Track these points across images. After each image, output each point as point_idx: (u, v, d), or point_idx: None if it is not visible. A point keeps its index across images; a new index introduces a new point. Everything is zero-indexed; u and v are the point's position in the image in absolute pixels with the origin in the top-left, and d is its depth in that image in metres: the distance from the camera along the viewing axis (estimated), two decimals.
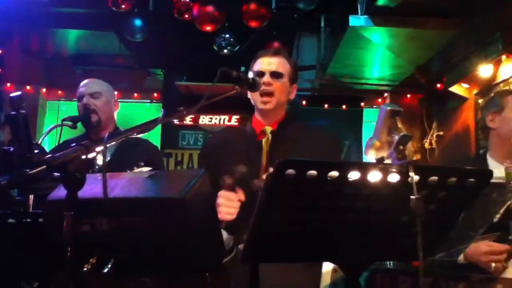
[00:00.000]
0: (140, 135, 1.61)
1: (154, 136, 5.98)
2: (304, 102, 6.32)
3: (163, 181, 1.22)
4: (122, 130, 1.89)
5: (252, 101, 2.06)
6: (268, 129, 2.00)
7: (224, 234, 1.50)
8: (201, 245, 1.17)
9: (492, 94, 2.28)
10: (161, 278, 1.30)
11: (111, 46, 5.59)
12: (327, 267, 1.61)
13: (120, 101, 2.86)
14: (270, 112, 2.01)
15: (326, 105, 6.51)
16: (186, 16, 4.91)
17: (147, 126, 1.37)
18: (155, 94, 6.53)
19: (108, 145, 2.38)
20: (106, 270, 1.12)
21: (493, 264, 1.78)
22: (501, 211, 1.31)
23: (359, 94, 6.36)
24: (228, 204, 1.65)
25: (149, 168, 1.83)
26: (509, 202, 1.35)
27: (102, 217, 1.15)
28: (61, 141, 2.45)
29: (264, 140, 1.97)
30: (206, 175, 1.20)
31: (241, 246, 1.56)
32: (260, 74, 1.98)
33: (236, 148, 1.98)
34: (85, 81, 2.64)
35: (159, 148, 3.30)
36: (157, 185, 1.19)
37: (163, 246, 1.18)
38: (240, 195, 1.65)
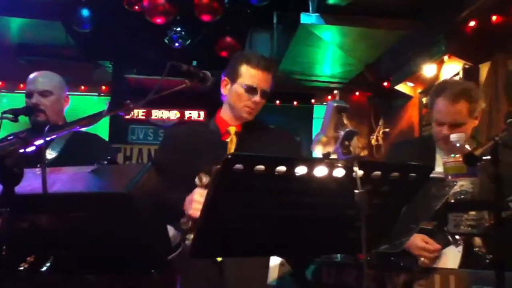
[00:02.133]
0: (85, 129, 1.56)
1: (102, 130, 5.81)
2: None
3: (107, 176, 1.18)
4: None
5: (228, 101, 2.02)
6: (233, 129, 2.00)
7: (171, 230, 1.48)
8: (147, 241, 1.15)
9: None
10: (105, 275, 1.27)
11: (57, 36, 5.37)
12: (275, 261, 1.63)
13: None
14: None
15: (277, 101, 6.57)
16: (136, 7, 4.80)
17: (91, 120, 1.32)
18: (104, 87, 6.36)
19: (56, 139, 2.30)
20: (44, 268, 1.08)
21: (422, 259, 1.86)
22: (440, 204, 1.38)
23: (310, 91, 6.47)
24: (199, 200, 1.65)
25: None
26: (447, 196, 1.42)
27: (41, 214, 1.10)
28: (0, 135, 2.33)
29: (229, 140, 1.98)
30: (153, 169, 1.18)
31: (188, 242, 1.55)
32: (252, 90, 1.95)
33: (199, 145, 1.97)
34: (34, 76, 2.45)
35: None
36: (101, 180, 1.16)
37: (107, 242, 1.14)
38: None
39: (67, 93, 2.57)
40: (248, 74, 1.96)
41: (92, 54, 5.80)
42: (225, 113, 2.04)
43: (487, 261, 1.62)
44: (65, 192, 1.12)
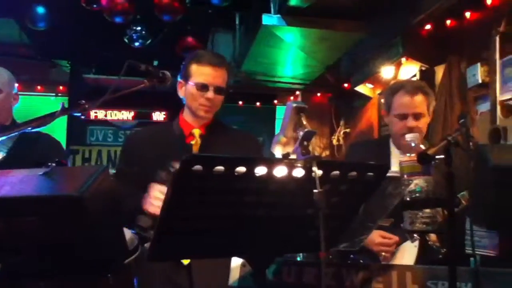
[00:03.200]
0: (39, 129, 1.51)
1: (59, 132, 5.64)
2: None
3: (60, 178, 1.14)
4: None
5: (186, 103, 2.00)
6: (197, 132, 1.99)
7: (128, 234, 1.45)
8: (102, 245, 1.12)
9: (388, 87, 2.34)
10: (58, 280, 1.22)
11: (11, 34, 5.19)
12: (236, 262, 1.62)
13: (22, 94, 2.62)
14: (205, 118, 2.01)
15: (240, 102, 6.58)
16: (95, 6, 4.68)
17: (44, 120, 1.28)
18: (61, 87, 6.18)
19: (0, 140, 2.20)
20: None
21: (383, 254, 1.96)
22: (396, 202, 1.41)
23: (272, 92, 6.51)
24: (159, 197, 1.64)
25: None
26: (403, 195, 1.46)
27: None
28: None
29: (193, 143, 1.97)
30: (107, 171, 1.15)
31: (147, 245, 1.52)
32: (203, 87, 1.92)
33: (163, 147, 1.95)
34: None
35: (63, 144, 3.11)
36: (53, 182, 1.11)
37: (60, 247, 1.11)
38: None
39: (22, 92, 2.47)
40: (198, 72, 1.94)
41: (48, 53, 5.62)
42: (187, 115, 2.04)
43: (440, 256, 1.68)
44: (14, 196, 1.07)
